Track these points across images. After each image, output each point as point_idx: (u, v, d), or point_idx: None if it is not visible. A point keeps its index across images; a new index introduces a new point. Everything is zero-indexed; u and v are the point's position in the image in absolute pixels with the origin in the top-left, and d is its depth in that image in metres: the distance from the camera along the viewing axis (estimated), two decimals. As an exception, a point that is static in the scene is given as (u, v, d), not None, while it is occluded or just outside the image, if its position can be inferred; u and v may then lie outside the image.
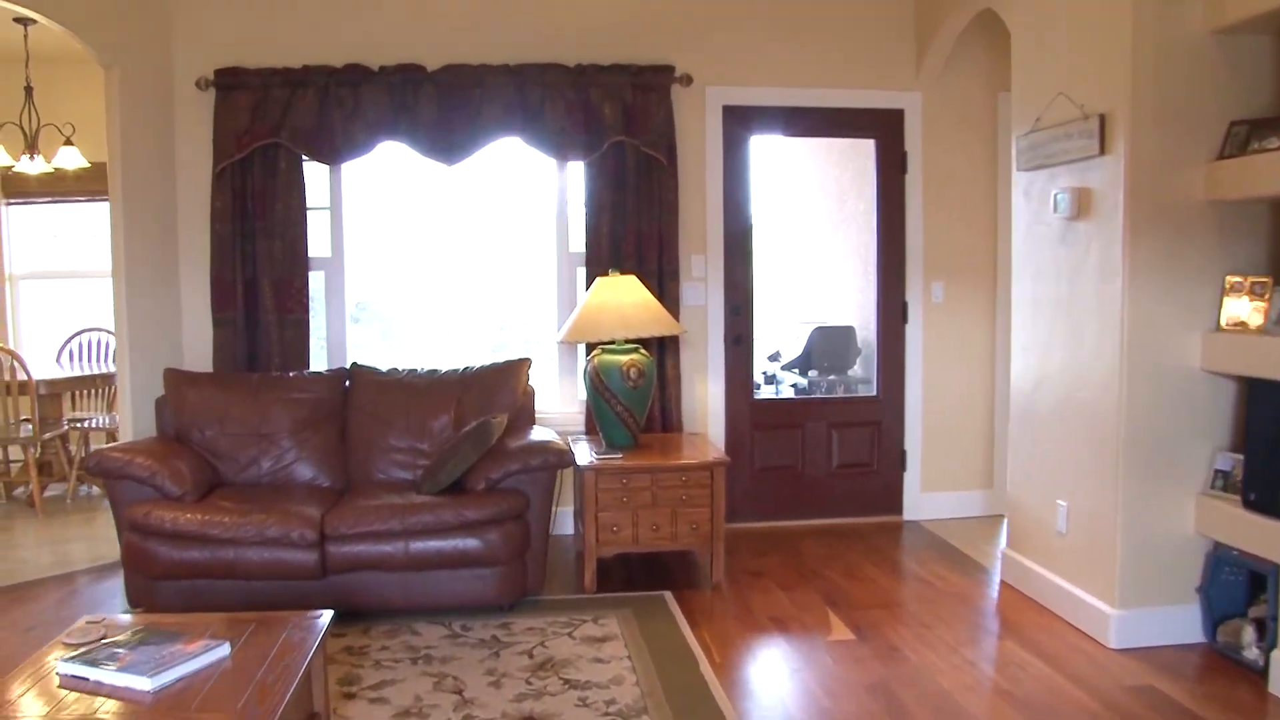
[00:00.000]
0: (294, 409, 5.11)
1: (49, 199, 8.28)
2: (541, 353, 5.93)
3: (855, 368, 6.74)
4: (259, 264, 5.60)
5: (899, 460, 6.16)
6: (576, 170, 5.79)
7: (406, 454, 5.09)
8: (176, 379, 5.19)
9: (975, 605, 4.69)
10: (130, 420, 5.41)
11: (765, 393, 6.79)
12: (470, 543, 4.38)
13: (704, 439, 5.49)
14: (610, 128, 5.55)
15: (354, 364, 5.40)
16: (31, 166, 6.97)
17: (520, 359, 5.32)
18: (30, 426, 7.07)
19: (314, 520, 4.36)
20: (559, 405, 5.93)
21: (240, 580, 4.37)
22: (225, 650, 2.79)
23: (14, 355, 6.58)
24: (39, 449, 7.03)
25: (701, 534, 4.82)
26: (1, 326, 8.36)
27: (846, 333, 6.82)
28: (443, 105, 5.55)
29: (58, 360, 7.88)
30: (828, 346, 6.88)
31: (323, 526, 4.37)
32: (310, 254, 5.75)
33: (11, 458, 7.47)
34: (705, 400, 5.93)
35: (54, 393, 7.04)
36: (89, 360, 7.91)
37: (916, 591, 4.88)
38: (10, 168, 7.14)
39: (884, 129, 6.02)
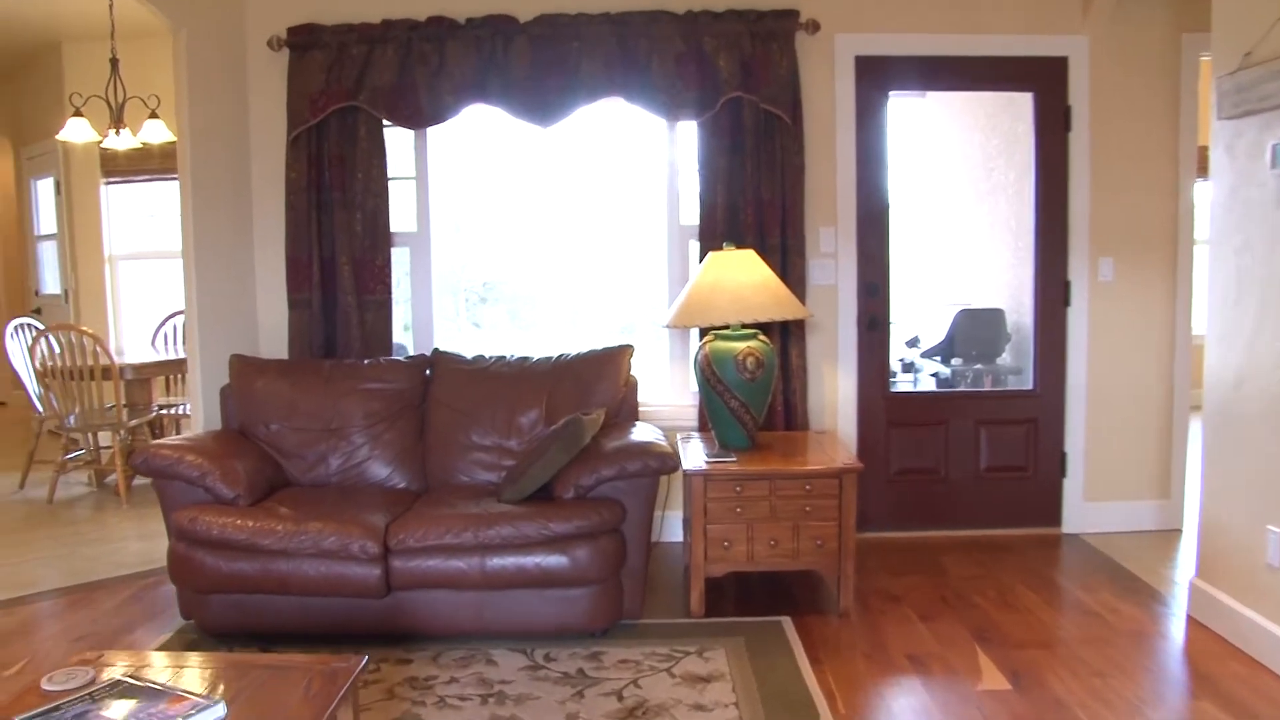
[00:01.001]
0: (368, 401, 4.58)
1: (145, 177, 8.00)
2: (652, 337, 5.30)
3: (1004, 356, 5.93)
4: (337, 240, 5.09)
5: (1058, 464, 5.33)
6: (688, 132, 5.12)
7: (492, 453, 4.50)
8: (243, 366, 4.70)
9: (1157, 648, 3.88)
10: (201, 411, 4.97)
11: (903, 384, 6.03)
12: (556, 560, 3.77)
13: (832, 438, 4.77)
14: (725, 82, 4.85)
15: (436, 351, 4.84)
16: (118, 142, 6.63)
17: (621, 346, 4.67)
18: (122, 411, 6.77)
19: (377, 530, 3.81)
20: (671, 397, 5.28)
21: (296, 596, 3.85)
22: (218, 714, 2.22)
23: (97, 339, 6.23)
24: (128, 435, 6.70)
25: (827, 552, 4.11)
26: (101, 308, 8.12)
27: (995, 316, 6.01)
28: (536, 61, 4.93)
29: (153, 343, 7.58)
30: (974, 331, 6.09)
31: (386, 538, 3.81)
32: (393, 229, 5.22)
33: (104, 444, 7.17)
34: (834, 393, 5.20)
35: (142, 378, 6.70)
36: (182, 344, 7.58)
37: (1083, 626, 4.08)
38: (99, 143, 6.82)
39: (1043, 80, 5.16)
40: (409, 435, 4.58)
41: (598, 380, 4.54)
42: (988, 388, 5.83)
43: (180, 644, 4.04)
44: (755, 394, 4.35)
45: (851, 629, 4.05)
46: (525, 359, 4.74)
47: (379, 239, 5.12)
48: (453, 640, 3.93)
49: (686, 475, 4.13)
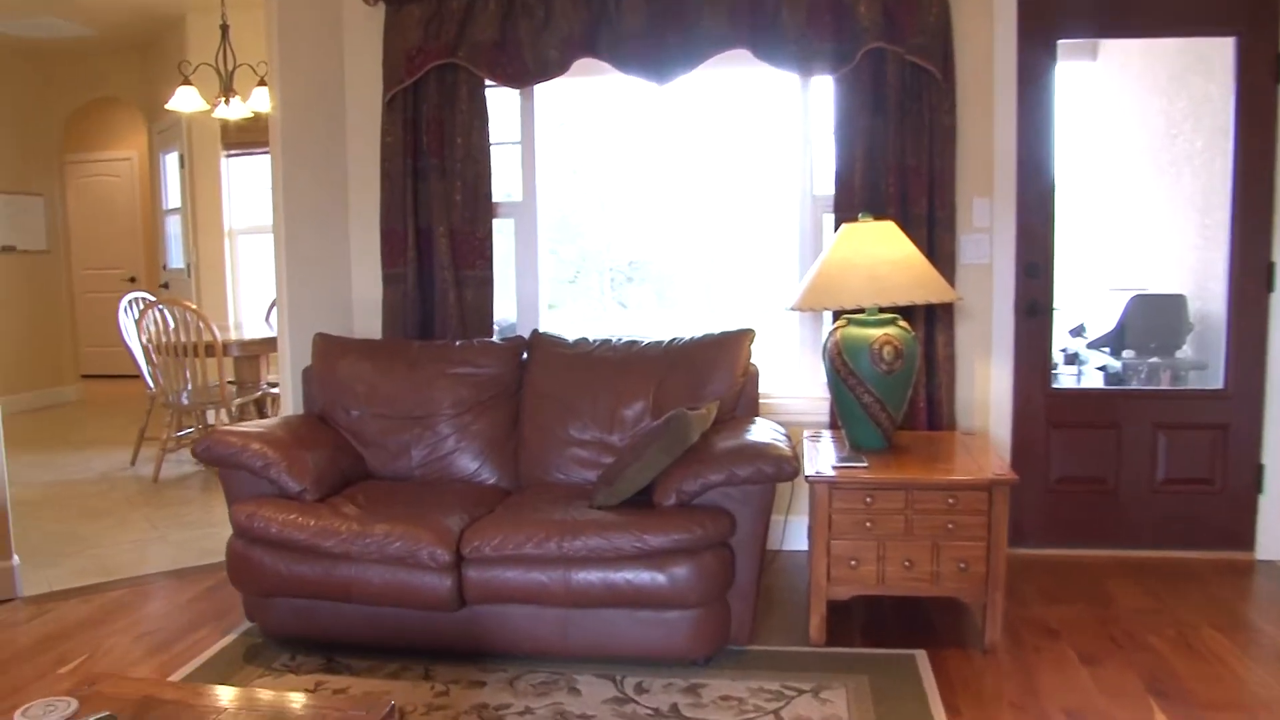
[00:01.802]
0: (457, 387, 4.15)
1: (264, 149, 7.76)
2: (784, 319, 4.74)
3: (1185, 348, 5.16)
4: (433, 209, 4.67)
5: (1253, 477, 4.54)
6: (823, 89, 4.52)
7: (591, 449, 4.02)
8: (326, 346, 4.33)
9: (1391, 712, 3.15)
10: (290, 393, 4.63)
11: (1065, 379, 5.32)
12: (651, 577, 3.26)
13: (982, 441, 4.12)
14: (865, 31, 4.22)
15: (535, 332, 4.37)
16: (229, 111, 6.39)
17: (740, 330, 4.12)
18: (232, 389, 6.56)
19: (449, 536, 3.37)
20: (802, 388, 4.71)
21: (362, 605, 3.44)
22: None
23: (200, 315, 6.00)
24: (236, 413, 6.48)
25: (971, 576, 3.49)
26: (221, 282, 7.96)
27: (1175, 302, 5.23)
28: (652, 11, 4.40)
29: (266, 319, 7.36)
30: (1150, 320, 5.31)
31: (460, 544, 3.37)
32: (496, 198, 4.78)
33: (214, 422, 6.97)
34: (985, 389, 4.53)
35: (249, 354, 6.46)
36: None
37: (1291, 679, 3.37)
38: (209, 112, 6.60)
39: (1250, 21, 4.37)
40: (500, 426, 4.13)
41: (713, 369, 4.01)
42: (1165, 385, 5.07)
43: (241, 649, 3.68)
44: (893, 389, 3.75)
45: (998, 670, 3.42)
46: (634, 343, 4.23)
47: (480, 209, 4.69)
48: (534, 661, 3.47)
49: (809, 482, 3.56)
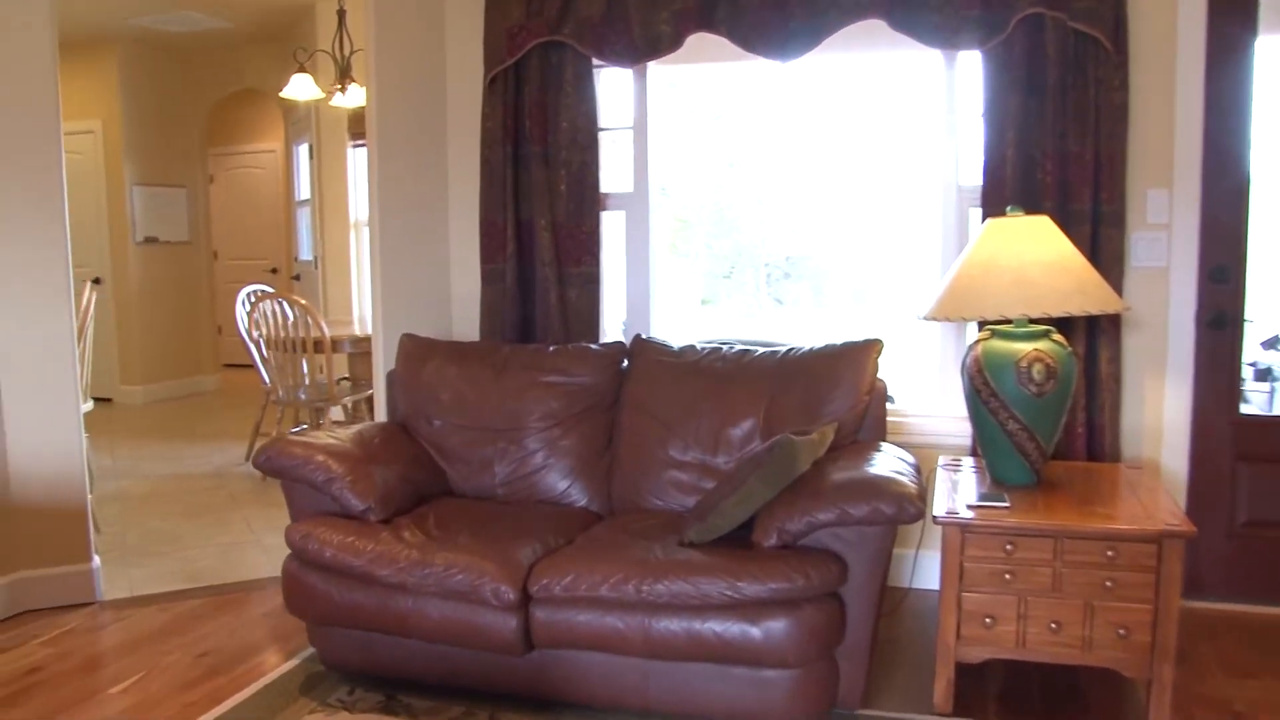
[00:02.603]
0: (547, 397, 3.74)
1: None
2: (926, 326, 4.19)
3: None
4: (535, 200, 4.29)
5: None
6: (970, 66, 3.95)
7: (692, 472, 3.56)
8: (412, 348, 3.99)
9: None
10: (383, 398, 4.33)
11: (1256, 400, 4.59)
12: (744, 630, 2.79)
13: (1152, 477, 3.49)
14: (1022, -4, 3.65)
15: (638, 338, 3.93)
16: (345, 99, 6.16)
17: (865, 341, 3.58)
18: (346, 385, 6.36)
19: (517, 571, 2.96)
20: (943, 405, 4.15)
21: (419, 641, 3.08)
22: None
23: (309, 309, 5.78)
24: (350, 411, 6.27)
25: (1134, 646, 2.90)
26: (346, 275, 7.80)
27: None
28: (777, -22, 3.92)
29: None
30: (1363, 335, 4.56)
31: (529, 581, 2.96)
32: (604, 189, 4.38)
33: (335, 419, 6.79)
34: (1157, 413, 3.88)
35: (362, 351, 6.22)
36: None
37: None
38: (326, 99, 6.39)
39: None
40: (593, 442, 3.71)
41: (833, 385, 3.49)
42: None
43: (300, 677, 3.37)
44: (1044, 414, 3.17)
45: (1167, 760, 2.83)
46: (746, 352, 3.74)
47: (586, 200, 4.29)
48: (610, 714, 3.03)
49: (938, 523, 3.02)
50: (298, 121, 8.41)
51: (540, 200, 4.27)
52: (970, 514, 2.97)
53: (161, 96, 9.12)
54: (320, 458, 3.33)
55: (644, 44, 4.06)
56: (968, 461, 3.64)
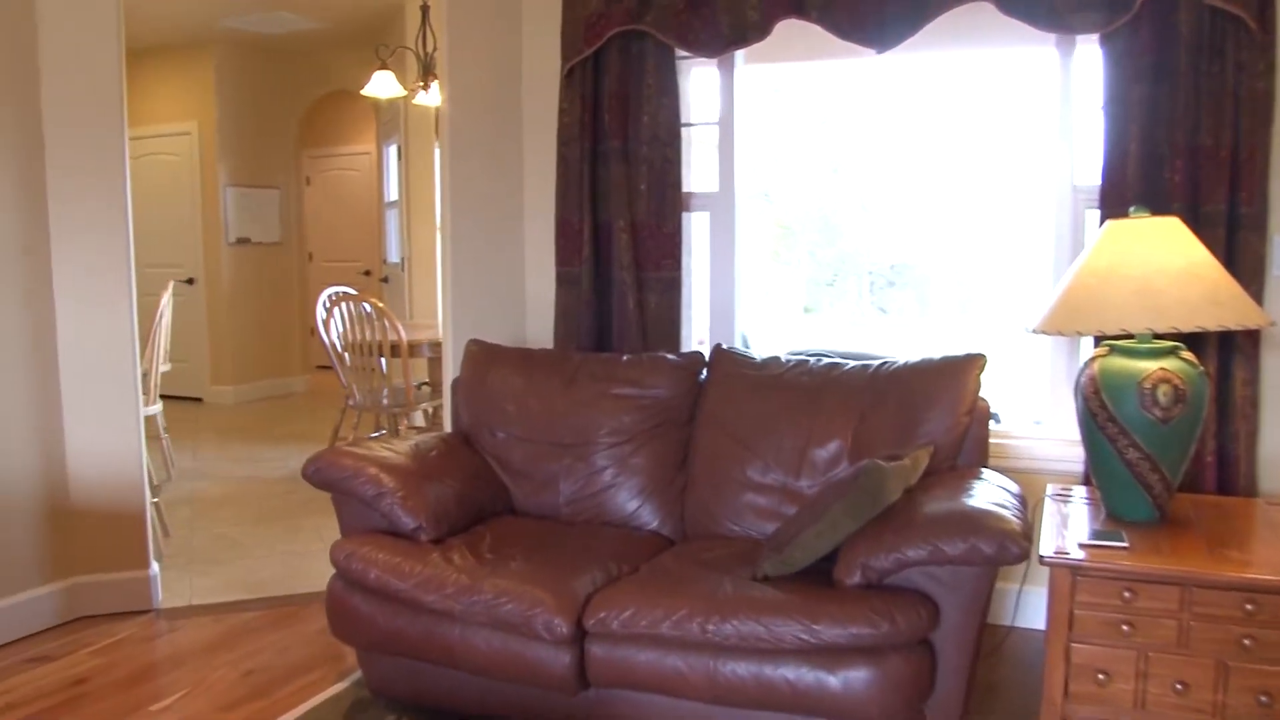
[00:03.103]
0: (618, 411, 3.48)
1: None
2: (1038, 339, 3.83)
3: None
4: (613, 199, 4.03)
5: None
6: (1087, 55, 3.58)
7: (773, 496, 3.26)
8: (478, 354, 3.77)
9: None
10: (449, 407, 4.13)
11: None
12: (820, 680, 2.48)
13: (1295, 514, 3.08)
14: (1151, -28, 3.27)
15: (718, 348, 3.64)
16: (428, 97, 5.99)
17: (967, 356, 3.23)
18: (425, 390, 6.20)
19: (572, 602, 2.70)
20: (1051, 428, 3.78)
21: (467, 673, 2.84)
22: None
23: (385, 312, 5.61)
24: (429, 416, 6.11)
25: (1278, 716, 2.51)
26: (431, 277, 7.65)
27: None
28: (875, -41, 3.59)
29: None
30: None
31: (584, 614, 2.69)
32: (687, 188, 4.10)
33: (418, 425, 6.63)
34: (1303, 442, 3.46)
35: (439, 356, 6.04)
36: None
37: None
38: (409, 97, 6.24)
39: None
40: (666, 461, 3.43)
41: (930, 403, 3.16)
42: None
43: (347, 702, 3.18)
44: (1170, 442, 2.79)
45: None
46: (835, 365, 3.42)
47: (668, 200, 4.02)
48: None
49: (1045, 563, 2.67)
50: (387, 122, 8.31)
51: (619, 199, 4.01)
52: (1082, 554, 2.61)
53: (256, 98, 9.12)
54: (371, 470, 3.12)
55: (730, 32, 3.78)
56: (1080, 491, 3.26)
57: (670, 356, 3.61)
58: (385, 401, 5.90)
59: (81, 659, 3.60)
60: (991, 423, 3.36)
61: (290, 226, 9.60)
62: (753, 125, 4.21)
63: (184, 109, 8.85)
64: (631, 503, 3.39)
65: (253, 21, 8.00)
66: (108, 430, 3.97)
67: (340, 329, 5.82)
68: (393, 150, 8.18)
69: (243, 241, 9.12)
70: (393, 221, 8.47)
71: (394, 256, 8.44)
